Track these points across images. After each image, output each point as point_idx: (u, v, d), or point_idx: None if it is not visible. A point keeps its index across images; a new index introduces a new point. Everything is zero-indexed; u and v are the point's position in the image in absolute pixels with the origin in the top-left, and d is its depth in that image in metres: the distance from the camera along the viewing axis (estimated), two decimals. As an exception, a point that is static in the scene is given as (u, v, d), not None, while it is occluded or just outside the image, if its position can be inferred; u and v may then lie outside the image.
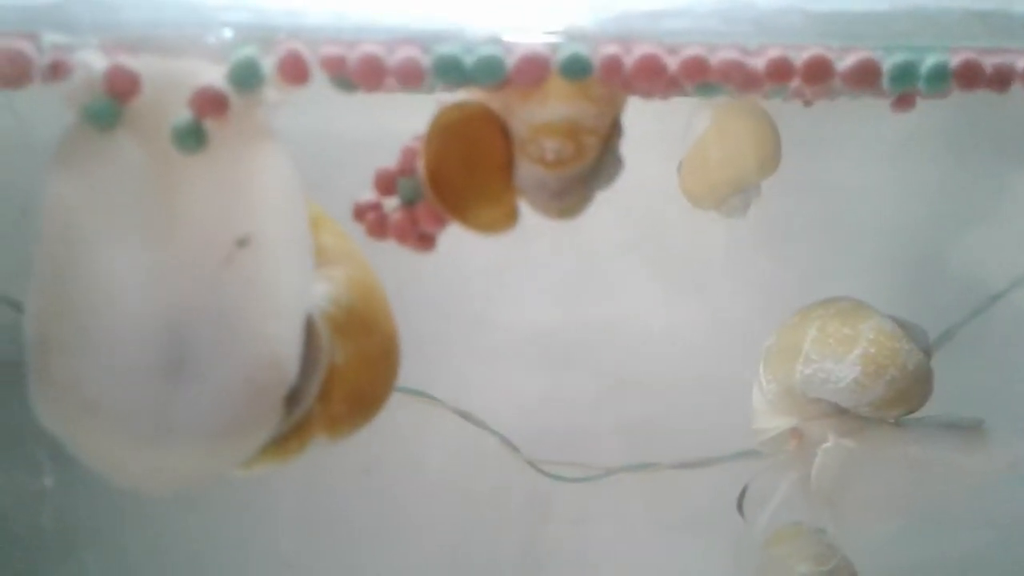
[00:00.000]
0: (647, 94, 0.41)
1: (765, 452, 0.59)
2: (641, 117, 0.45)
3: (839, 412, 0.56)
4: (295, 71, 0.37)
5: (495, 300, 0.75)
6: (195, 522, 0.72)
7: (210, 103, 0.37)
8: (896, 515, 0.58)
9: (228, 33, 0.37)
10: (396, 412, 0.48)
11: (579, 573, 0.81)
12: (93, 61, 0.35)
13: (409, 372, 0.48)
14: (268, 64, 0.37)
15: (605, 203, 0.47)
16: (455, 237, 0.46)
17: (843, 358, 0.55)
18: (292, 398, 0.41)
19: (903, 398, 0.55)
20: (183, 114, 0.37)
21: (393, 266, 0.47)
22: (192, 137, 0.37)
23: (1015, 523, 0.72)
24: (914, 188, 0.75)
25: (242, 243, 0.38)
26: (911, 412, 0.56)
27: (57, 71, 0.35)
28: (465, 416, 0.74)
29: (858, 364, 0.55)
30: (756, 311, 0.73)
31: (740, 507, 0.60)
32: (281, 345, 0.40)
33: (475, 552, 0.79)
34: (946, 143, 0.73)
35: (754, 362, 0.61)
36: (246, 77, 0.37)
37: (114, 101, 0.36)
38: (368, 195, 0.45)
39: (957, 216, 0.76)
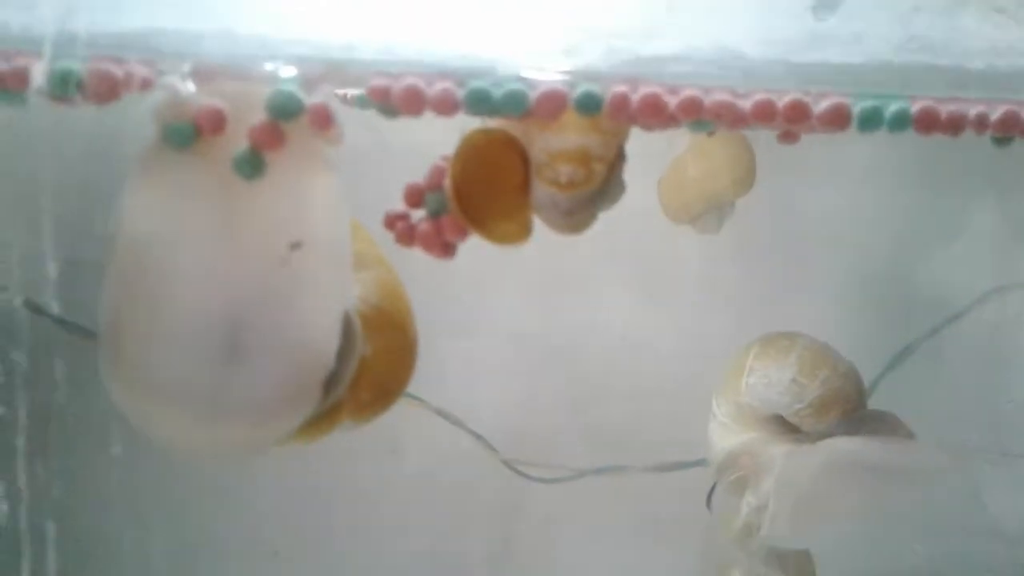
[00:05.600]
0: (649, 128, 0.45)
1: (720, 475, 0.61)
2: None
3: (786, 430, 0.60)
4: (322, 119, 0.41)
5: (478, 306, 0.77)
6: (176, 514, 0.73)
7: (267, 136, 0.40)
8: (854, 523, 0.60)
9: (290, 67, 0.41)
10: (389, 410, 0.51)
11: (550, 570, 0.82)
12: (178, 85, 0.39)
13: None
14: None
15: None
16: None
17: (782, 363, 0.59)
18: (328, 383, 0.45)
19: (838, 398, 0.58)
20: (243, 145, 0.40)
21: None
22: (250, 166, 0.41)
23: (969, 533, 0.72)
24: (879, 211, 0.78)
25: (294, 247, 0.42)
26: (849, 417, 0.59)
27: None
28: (445, 415, 0.75)
29: (795, 365, 0.59)
30: (727, 322, 0.76)
31: (709, 503, 0.63)
32: (323, 336, 0.44)
33: (450, 548, 0.80)
34: (910, 169, 0.76)
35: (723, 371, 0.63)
36: (284, 110, 0.40)
37: (194, 127, 0.40)
38: (398, 206, 0.50)
39: (919, 238, 0.79)
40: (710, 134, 0.63)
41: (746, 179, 0.67)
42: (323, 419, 0.47)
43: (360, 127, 0.43)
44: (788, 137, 0.48)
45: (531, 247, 0.51)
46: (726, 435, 0.62)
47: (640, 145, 0.49)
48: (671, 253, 0.77)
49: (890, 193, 0.77)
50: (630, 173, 0.51)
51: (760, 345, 0.62)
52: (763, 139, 0.62)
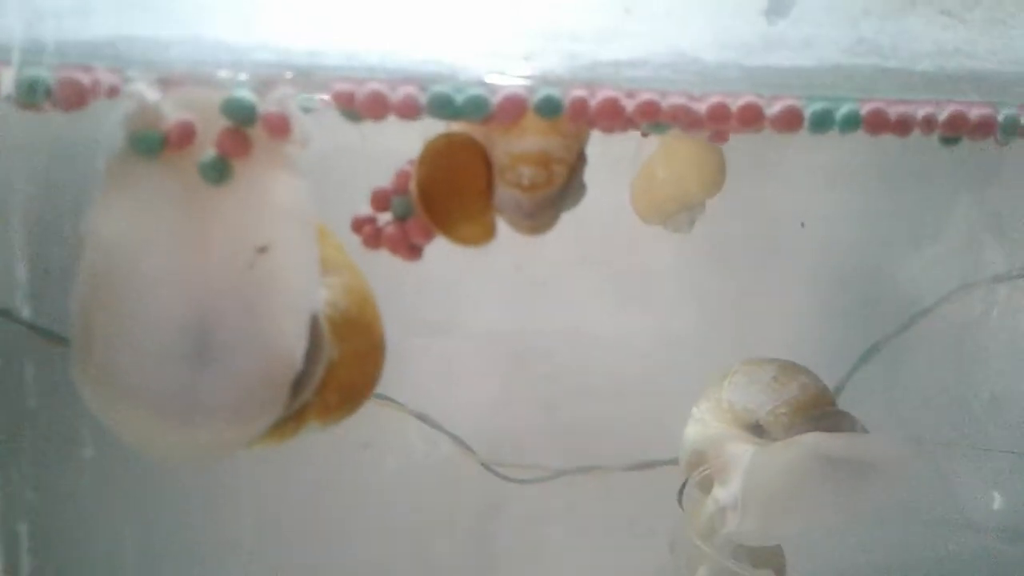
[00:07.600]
0: (608, 130, 0.46)
1: (689, 471, 0.62)
2: (596, 138, 0.49)
3: (758, 433, 0.61)
4: (278, 127, 0.42)
5: (455, 308, 0.77)
6: (150, 516, 0.73)
7: (234, 142, 0.41)
8: (824, 517, 0.60)
9: (254, 73, 0.41)
10: (357, 412, 0.51)
11: (529, 569, 0.82)
12: (145, 93, 0.40)
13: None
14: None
15: (561, 217, 0.51)
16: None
17: (764, 367, 0.62)
18: (296, 386, 0.45)
19: (815, 403, 0.60)
20: (209, 151, 0.41)
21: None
22: (216, 172, 0.41)
23: (939, 523, 0.74)
24: (847, 212, 0.79)
25: (261, 251, 0.42)
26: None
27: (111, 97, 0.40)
28: (423, 418, 0.75)
29: (776, 368, 0.61)
30: (700, 321, 0.78)
31: (680, 500, 0.63)
32: (291, 339, 0.44)
33: (428, 549, 0.81)
34: (877, 171, 0.77)
35: (696, 369, 0.65)
36: (238, 115, 0.41)
37: (162, 135, 0.40)
38: (365, 210, 0.50)
39: (886, 237, 0.80)
40: (644, 135, 0.62)
41: (715, 180, 0.68)
42: (290, 421, 0.47)
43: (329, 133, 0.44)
44: (719, 137, 0.49)
45: (506, 248, 0.51)
46: (699, 431, 0.63)
47: (613, 147, 0.50)
48: (644, 253, 0.78)
49: (857, 193, 0.78)
50: (602, 175, 0.52)
51: (745, 359, 0.64)
52: (732, 142, 0.64)
